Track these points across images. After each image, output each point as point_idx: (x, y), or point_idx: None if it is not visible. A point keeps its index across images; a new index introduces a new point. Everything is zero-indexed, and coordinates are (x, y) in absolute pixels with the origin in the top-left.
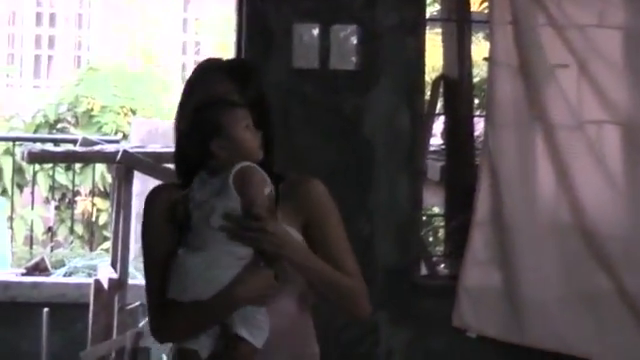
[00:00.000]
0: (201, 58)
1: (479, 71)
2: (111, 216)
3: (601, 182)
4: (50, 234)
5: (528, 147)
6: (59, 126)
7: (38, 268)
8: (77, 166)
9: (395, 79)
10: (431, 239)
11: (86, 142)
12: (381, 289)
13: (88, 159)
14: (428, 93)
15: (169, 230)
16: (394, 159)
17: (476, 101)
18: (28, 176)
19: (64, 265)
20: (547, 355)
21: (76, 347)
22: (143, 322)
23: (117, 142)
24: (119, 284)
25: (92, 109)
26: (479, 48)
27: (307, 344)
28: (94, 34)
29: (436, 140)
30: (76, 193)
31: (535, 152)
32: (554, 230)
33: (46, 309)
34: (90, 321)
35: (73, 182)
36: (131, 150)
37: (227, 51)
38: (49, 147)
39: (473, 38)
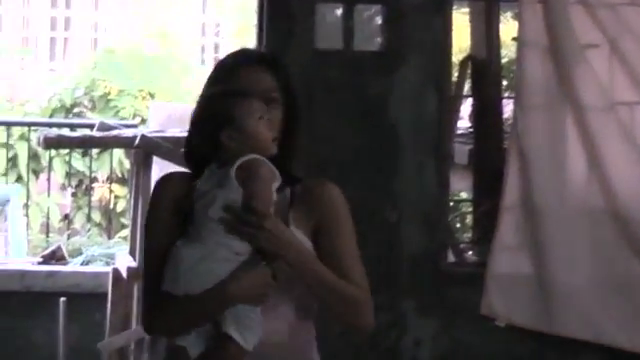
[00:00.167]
0: (221, 40)
1: (507, 52)
2: (129, 203)
3: (633, 165)
4: (67, 222)
5: (558, 129)
6: (75, 110)
7: (54, 257)
8: (94, 151)
9: (421, 60)
10: (458, 225)
11: (103, 127)
12: (407, 277)
13: (105, 144)
14: (455, 75)
15: (174, 220)
16: (420, 143)
17: (504, 82)
18: (44, 162)
19: (81, 254)
20: (578, 344)
21: (94, 338)
22: None
23: (135, 126)
24: (138, 273)
25: (109, 93)
26: (507, 28)
27: (305, 355)
28: (110, 15)
29: (464, 123)
30: (93, 179)
31: (565, 135)
32: (585, 214)
33: (63, 299)
34: (108, 311)
35: (90, 168)
36: (150, 135)
37: (248, 32)
38: (65, 132)
39: (501, 17)
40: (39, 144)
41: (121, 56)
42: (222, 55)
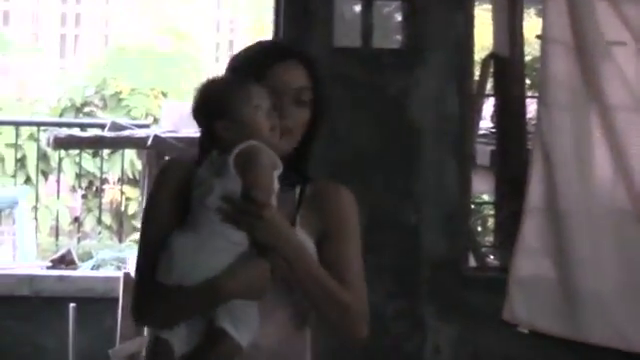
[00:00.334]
0: (236, 37)
1: (531, 49)
2: (141, 205)
3: None
4: (77, 224)
5: (583, 129)
6: (86, 110)
7: (64, 261)
8: (105, 152)
9: (442, 58)
10: (480, 228)
11: (115, 126)
12: (427, 281)
13: (117, 145)
14: (477, 73)
15: (175, 207)
16: (441, 143)
17: (528, 81)
18: (53, 163)
19: (92, 257)
20: (603, 352)
21: (104, 344)
22: None
23: (147, 126)
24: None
25: (121, 92)
26: (531, 24)
27: None
28: (122, 11)
29: (486, 123)
30: (104, 181)
31: (591, 135)
32: (611, 217)
33: (73, 304)
34: (119, 317)
35: (101, 169)
36: (163, 135)
37: (263, 29)
38: (76, 132)
39: (525, 14)
40: (48, 144)
41: (133, 53)
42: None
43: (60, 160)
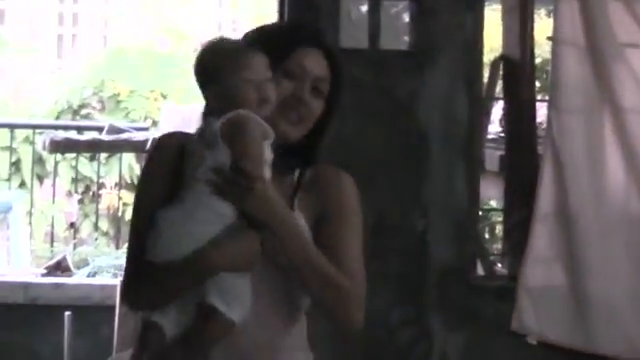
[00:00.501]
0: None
1: (541, 51)
2: None
3: None
4: (72, 230)
5: (595, 133)
6: (83, 112)
7: (59, 267)
8: (102, 156)
9: (451, 60)
10: (488, 235)
11: (113, 130)
12: (435, 289)
13: (115, 148)
14: (486, 75)
15: (167, 184)
16: (450, 148)
17: (538, 84)
18: (49, 167)
19: (88, 264)
20: None
21: (101, 353)
22: None
23: (146, 130)
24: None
25: (119, 93)
26: (542, 26)
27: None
28: (121, 11)
29: (495, 127)
30: (101, 185)
31: (603, 139)
32: (624, 224)
33: (68, 312)
34: (116, 325)
35: (98, 173)
36: None
37: None
38: (72, 135)
39: (535, 15)
40: (44, 148)
41: (132, 54)
42: None
43: (56, 164)
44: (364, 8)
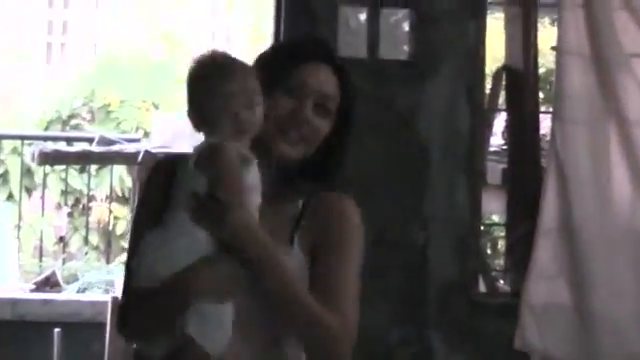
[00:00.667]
0: (233, 45)
1: (545, 61)
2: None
3: None
4: (62, 244)
5: (601, 146)
6: (73, 122)
7: (48, 283)
8: (93, 168)
9: (452, 70)
10: (490, 251)
11: (103, 141)
12: (435, 306)
13: (106, 160)
14: (489, 86)
15: (162, 209)
16: (451, 160)
17: (542, 95)
18: (38, 179)
19: (78, 279)
20: None
21: None
22: None
23: (138, 141)
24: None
25: (110, 104)
26: (545, 35)
27: None
28: (112, 18)
29: (497, 139)
30: (91, 198)
31: (608, 152)
32: (630, 239)
33: (57, 329)
34: (107, 342)
35: (88, 186)
36: (154, 150)
37: (263, 37)
38: (62, 146)
39: (539, 24)
40: (33, 159)
41: (123, 63)
42: None
43: (45, 176)
44: (363, 16)
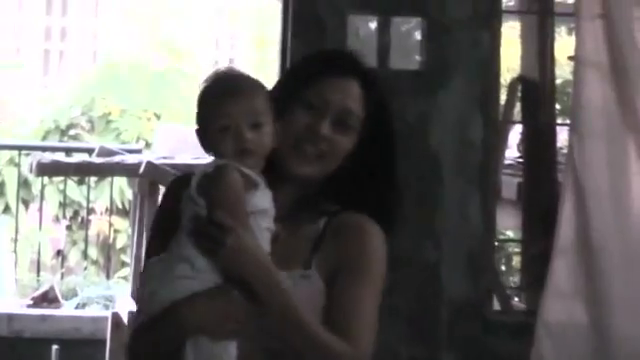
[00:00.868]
0: (237, 54)
1: (562, 72)
2: (131, 238)
3: None
4: (60, 258)
5: (619, 160)
6: (71, 132)
7: (46, 298)
8: (92, 180)
9: (466, 81)
10: (504, 268)
11: (104, 152)
12: (447, 326)
13: (106, 172)
14: (503, 97)
15: (174, 229)
16: (464, 174)
17: (559, 107)
18: (35, 190)
19: (76, 295)
20: None
21: None
22: None
23: (139, 152)
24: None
25: (110, 113)
26: (562, 45)
27: None
28: (112, 25)
29: (512, 152)
30: (91, 211)
31: (627, 166)
32: None
33: (56, 346)
34: None
35: (87, 198)
36: (156, 161)
37: (268, 45)
38: (60, 157)
39: (556, 33)
40: (31, 170)
41: (124, 71)
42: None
43: (43, 187)
44: (373, 25)
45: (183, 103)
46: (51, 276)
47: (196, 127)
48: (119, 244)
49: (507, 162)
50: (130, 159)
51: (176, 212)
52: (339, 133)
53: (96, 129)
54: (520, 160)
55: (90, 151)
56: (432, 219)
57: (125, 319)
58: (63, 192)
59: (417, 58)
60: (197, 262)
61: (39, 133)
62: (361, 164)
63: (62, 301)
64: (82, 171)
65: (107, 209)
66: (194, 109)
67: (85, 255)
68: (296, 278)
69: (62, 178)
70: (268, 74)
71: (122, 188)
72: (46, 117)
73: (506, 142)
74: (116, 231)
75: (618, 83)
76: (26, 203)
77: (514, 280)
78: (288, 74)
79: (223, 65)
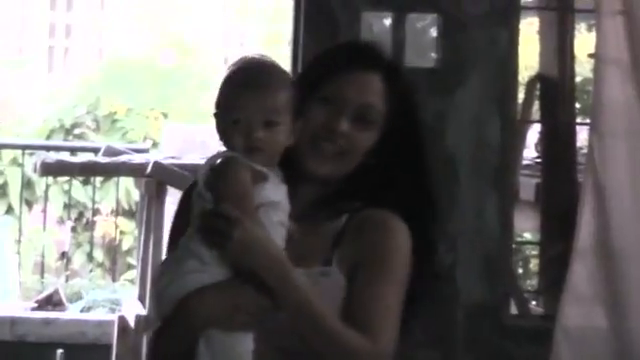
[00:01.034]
0: (247, 51)
1: (582, 70)
2: (138, 240)
3: None
4: (65, 261)
5: None
6: (76, 132)
7: (50, 301)
8: (97, 180)
9: (483, 79)
10: (521, 271)
11: (110, 151)
12: (463, 330)
13: (112, 172)
14: (521, 96)
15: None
16: (480, 175)
17: (578, 105)
18: (39, 191)
19: (81, 298)
20: None
21: None
22: None
23: (146, 151)
24: (148, 322)
25: (115, 112)
26: (582, 42)
27: None
28: (118, 21)
29: (530, 152)
30: (96, 212)
31: None
32: None
33: (60, 350)
34: None
35: (93, 199)
36: (164, 161)
37: (278, 42)
38: (65, 157)
39: (575, 30)
40: (35, 170)
41: (130, 69)
42: None
43: (47, 188)
44: (387, 22)
45: (191, 102)
46: (55, 279)
47: (214, 111)
48: (125, 246)
49: (525, 162)
50: (137, 159)
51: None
52: (359, 129)
53: (101, 128)
54: (538, 160)
55: (95, 151)
56: (447, 221)
57: (132, 323)
58: (68, 193)
59: (433, 55)
60: (206, 257)
61: (43, 132)
62: (385, 159)
63: (67, 304)
64: (87, 171)
65: (113, 210)
66: (202, 108)
67: (90, 257)
68: (316, 275)
69: (67, 178)
70: None
71: (128, 189)
72: (50, 116)
73: (524, 142)
74: (122, 233)
75: (639, 81)
76: (30, 204)
77: (532, 283)
78: (307, 69)
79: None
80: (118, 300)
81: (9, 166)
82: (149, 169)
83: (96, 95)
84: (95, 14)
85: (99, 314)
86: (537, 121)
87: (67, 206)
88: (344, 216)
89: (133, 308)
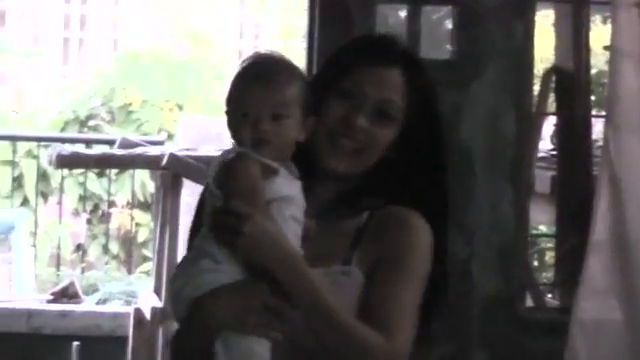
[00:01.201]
0: (262, 43)
1: (597, 62)
2: (154, 232)
3: None
4: (80, 253)
5: None
6: (91, 123)
7: (66, 294)
8: (113, 172)
9: (498, 71)
10: (537, 263)
11: (125, 143)
12: (479, 323)
13: (127, 164)
14: (537, 88)
15: None
16: (496, 168)
17: (594, 98)
18: (54, 183)
19: (97, 290)
20: None
21: None
22: None
23: (161, 143)
24: (164, 314)
25: (131, 103)
26: (598, 34)
27: None
28: (133, 13)
29: (546, 145)
30: (111, 204)
31: None
32: None
33: (76, 342)
34: (128, 358)
35: (108, 191)
36: (179, 153)
37: (293, 34)
38: (80, 149)
39: (591, 22)
40: (50, 162)
41: (145, 61)
42: None
43: (62, 180)
44: (402, 14)
45: (206, 93)
46: (71, 271)
47: (225, 108)
48: (141, 238)
49: (540, 155)
50: (152, 151)
51: None
52: (378, 124)
53: (116, 120)
54: (554, 153)
55: (111, 143)
56: (463, 214)
57: (147, 315)
58: (83, 185)
59: (448, 48)
60: (219, 256)
61: (58, 124)
62: (405, 155)
63: (82, 297)
64: (103, 163)
65: (128, 202)
66: (217, 100)
67: (106, 249)
68: (336, 275)
69: (82, 170)
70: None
71: (144, 181)
72: (65, 107)
73: (540, 134)
74: (138, 225)
75: None
76: (45, 196)
77: (547, 276)
78: (326, 64)
79: (247, 55)
80: (134, 292)
81: (24, 158)
82: (164, 161)
83: (111, 87)
84: (110, 6)
85: (115, 306)
86: (553, 113)
87: (82, 198)
88: (365, 213)
89: (149, 300)
